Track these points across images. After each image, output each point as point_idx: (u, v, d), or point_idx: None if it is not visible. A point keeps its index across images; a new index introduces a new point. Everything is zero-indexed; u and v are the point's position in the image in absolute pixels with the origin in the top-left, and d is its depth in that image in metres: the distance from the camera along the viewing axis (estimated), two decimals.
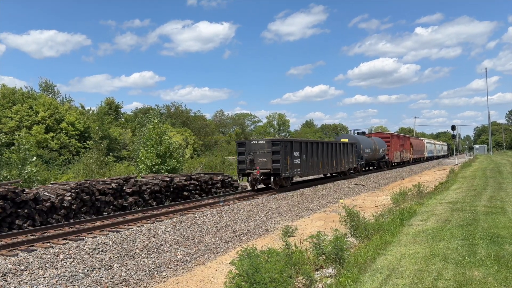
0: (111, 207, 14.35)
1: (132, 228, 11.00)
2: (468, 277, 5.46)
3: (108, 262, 8.11)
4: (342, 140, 27.98)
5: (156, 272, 7.92)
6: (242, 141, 19.75)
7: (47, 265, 7.73)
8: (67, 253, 8.39)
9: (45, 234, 10.48)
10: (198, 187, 18.07)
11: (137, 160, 25.11)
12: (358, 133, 34.91)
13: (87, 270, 7.65)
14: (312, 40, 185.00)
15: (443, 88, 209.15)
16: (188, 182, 17.62)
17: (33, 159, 20.19)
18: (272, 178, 18.40)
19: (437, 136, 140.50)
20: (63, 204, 12.63)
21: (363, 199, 18.41)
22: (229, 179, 20.35)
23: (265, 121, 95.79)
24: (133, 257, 8.59)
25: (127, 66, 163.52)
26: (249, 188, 19.67)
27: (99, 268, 7.80)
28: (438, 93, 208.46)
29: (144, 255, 8.74)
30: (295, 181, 23.17)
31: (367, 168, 34.50)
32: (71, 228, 11.26)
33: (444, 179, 24.53)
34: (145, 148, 23.91)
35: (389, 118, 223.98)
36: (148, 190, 15.69)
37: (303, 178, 24.99)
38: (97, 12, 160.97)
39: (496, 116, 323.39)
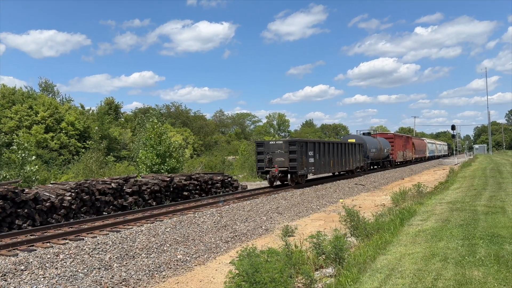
0: (111, 207, 14.35)
1: (132, 228, 11.00)
2: (468, 277, 5.46)
3: (108, 262, 8.11)
4: (349, 140, 29.18)
5: (156, 272, 7.92)
6: (261, 142, 21.28)
7: (47, 265, 7.73)
8: (67, 253, 8.39)
9: (45, 234, 10.48)
10: (198, 187, 18.07)
11: (137, 160, 25.11)
12: (364, 134, 35.78)
13: (87, 270, 7.65)
14: (312, 40, 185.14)
15: (443, 88, 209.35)
16: (188, 182, 17.62)
17: (32, 158, 20.18)
18: (289, 175, 19.91)
19: (437, 136, 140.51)
20: (63, 204, 12.63)
21: (363, 199, 18.41)
22: (229, 179, 20.36)
23: (265, 121, 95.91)
24: (133, 257, 8.59)
25: (127, 66, 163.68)
26: (267, 184, 21.22)
27: (99, 268, 7.80)
28: (438, 93, 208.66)
29: (144, 255, 8.74)
30: (309, 179, 24.20)
31: (371, 167, 35.41)
32: (71, 228, 11.26)
33: (444, 179, 24.53)
34: (145, 148, 23.91)
35: (389, 118, 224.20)
36: (148, 190, 15.69)
37: (315, 176, 26.04)
38: (97, 12, 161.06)
39: (496, 116, 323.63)
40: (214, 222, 11.92)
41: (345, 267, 6.53)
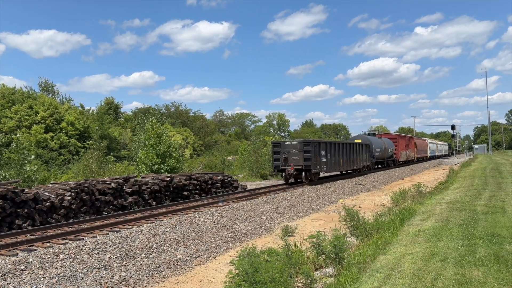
0: (111, 207, 14.35)
1: (132, 228, 11.00)
2: (468, 277, 5.46)
3: (107, 262, 8.11)
4: (355, 140, 30.72)
5: (156, 272, 7.92)
6: (277, 142, 22.80)
7: (46, 264, 7.73)
8: (66, 252, 8.39)
9: (44, 234, 10.48)
10: (198, 186, 18.07)
11: (137, 160, 25.10)
12: (369, 134, 37.13)
13: (87, 270, 7.65)
14: (312, 40, 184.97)
15: (443, 88, 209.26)
16: (188, 181, 17.62)
17: (32, 158, 20.15)
18: (303, 173, 21.80)
19: (437, 136, 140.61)
20: (63, 204, 12.63)
21: (362, 198, 18.41)
22: (229, 179, 20.36)
23: (265, 120, 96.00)
24: (133, 256, 8.59)
25: (127, 66, 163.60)
26: (283, 182, 23.04)
27: (99, 268, 7.80)
28: (438, 93, 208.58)
29: (144, 255, 8.74)
30: (320, 177, 25.22)
31: (376, 167, 36.41)
32: (71, 228, 11.26)
33: (444, 178, 24.53)
34: (145, 148, 23.90)
35: (389, 118, 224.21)
36: (148, 190, 15.69)
37: (326, 174, 27.23)
38: (96, 12, 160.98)
39: (496, 115, 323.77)
40: (214, 222, 11.92)
41: (345, 267, 6.53)
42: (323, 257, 7.39)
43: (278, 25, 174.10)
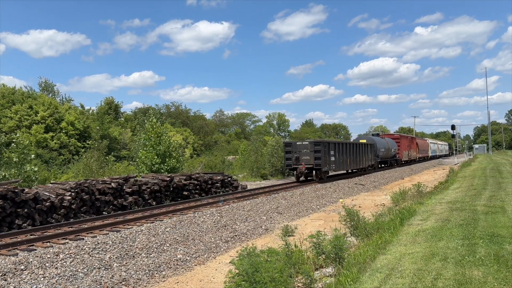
0: (111, 206, 14.35)
1: (132, 227, 11.00)
2: (468, 277, 5.46)
3: (108, 262, 8.11)
4: (360, 141, 31.85)
5: (156, 272, 7.92)
6: (289, 142, 24.23)
7: (47, 264, 7.73)
8: (67, 252, 8.39)
9: (44, 233, 10.48)
10: (198, 186, 18.07)
11: (137, 159, 25.09)
12: (373, 135, 38.15)
13: (87, 270, 7.65)
14: (312, 39, 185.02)
15: (443, 88, 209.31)
16: (188, 181, 17.62)
17: (32, 157, 20.12)
18: (314, 171, 23.04)
19: (437, 136, 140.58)
20: (63, 204, 12.63)
21: (362, 198, 18.41)
22: (229, 179, 20.36)
23: (264, 120, 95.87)
24: (133, 256, 8.59)
25: (127, 66, 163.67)
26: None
27: (99, 268, 7.80)
28: (437, 93, 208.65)
29: (144, 255, 8.74)
30: (329, 175, 26.67)
31: (380, 166, 37.19)
32: (71, 227, 11.26)
33: (444, 178, 24.53)
34: (145, 148, 23.90)
35: (388, 117, 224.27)
36: (148, 189, 15.68)
37: (334, 173, 28.19)
38: (96, 11, 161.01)
39: (496, 115, 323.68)
40: (214, 222, 11.92)
41: (345, 267, 6.53)
42: (323, 257, 7.39)
43: (278, 25, 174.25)
